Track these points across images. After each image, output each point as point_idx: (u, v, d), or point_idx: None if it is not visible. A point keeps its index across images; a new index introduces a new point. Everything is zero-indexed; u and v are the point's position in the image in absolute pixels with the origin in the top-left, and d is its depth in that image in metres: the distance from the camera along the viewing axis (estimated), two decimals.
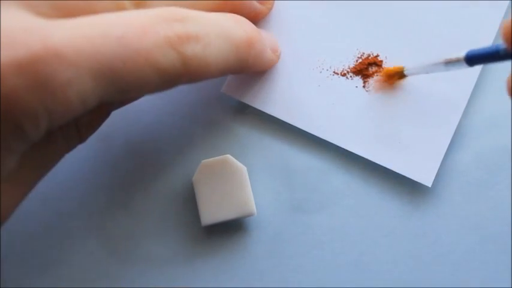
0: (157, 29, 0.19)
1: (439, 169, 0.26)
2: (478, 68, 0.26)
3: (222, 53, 0.21)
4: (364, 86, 0.27)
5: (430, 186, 0.26)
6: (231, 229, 0.27)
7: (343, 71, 0.27)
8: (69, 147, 0.23)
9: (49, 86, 0.16)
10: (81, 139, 0.23)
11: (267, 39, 0.25)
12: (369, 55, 0.27)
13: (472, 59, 0.21)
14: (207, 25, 0.21)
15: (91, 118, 0.23)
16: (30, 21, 0.17)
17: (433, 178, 0.26)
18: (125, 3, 0.20)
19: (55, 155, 0.22)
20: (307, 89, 0.27)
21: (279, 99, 0.27)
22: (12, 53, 0.16)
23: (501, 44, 0.19)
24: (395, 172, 0.26)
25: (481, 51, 0.21)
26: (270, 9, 0.27)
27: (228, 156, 0.26)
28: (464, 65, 0.21)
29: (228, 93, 0.27)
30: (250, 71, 0.25)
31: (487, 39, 0.27)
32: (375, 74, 0.27)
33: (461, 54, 0.21)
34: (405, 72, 0.26)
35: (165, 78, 0.19)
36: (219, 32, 0.21)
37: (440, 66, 0.23)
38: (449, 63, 0.22)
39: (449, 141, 0.26)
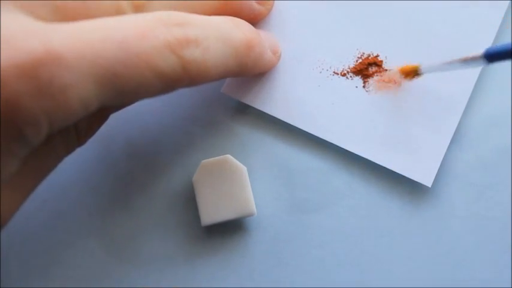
0: (156, 33, 0.18)
1: (439, 169, 0.26)
2: (477, 70, 0.26)
3: (221, 57, 0.21)
4: (364, 86, 0.27)
5: (430, 186, 0.26)
6: (231, 229, 0.27)
7: (343, 71, 0.27)
8: (68, 151, 0.23)
9: (50, 90, 0.16)
10: (80, 142, 0.23)
11: (267, 40, 0.25)
12: (369, 55, 0.27)
13: (492, 56, 0.21)
14: (206, 29, 0.20)
15: (90, 121, 0.23)
16: (30, 24, 0.17)
17: (433, 178, 0.26)
18: (124, 8, 0.20)
19: (54, 159, 0.22)
20: (307, 89, 0.27)
21: (279, 99, 0.27)
22: (13, 57, 0.16)
23: None
24: (396, 172, 0.26)
25: (501, 48, 0.21)
26: (270, 10, 0.27)
27: (228, 156, 0.26)
28: (482, 62, 0.21)
29: (228, 93, 0.27)
30: (250, 74, 0.25)
31: (487, 39, 0.26)
32: (375, 74, 0.27)
33: (480, 51, 0.21)
34: (421, 70, 0.25)
35: (165, 82, 0.19)
36: (218, 36, 0.21)
37: (457, 64, 0.23)
38: (467, 61, 0.22)
39: (449, 141, 0.26)
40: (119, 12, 0.20)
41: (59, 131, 0.19)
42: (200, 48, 0.20)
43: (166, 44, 0.19)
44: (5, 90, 0.16)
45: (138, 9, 0.21)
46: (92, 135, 0.24)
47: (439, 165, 0.26)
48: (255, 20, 0.26)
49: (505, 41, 0.27)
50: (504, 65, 0.27)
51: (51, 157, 0.22)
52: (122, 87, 0.18)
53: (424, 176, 0.26)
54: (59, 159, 0.22)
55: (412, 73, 0.26)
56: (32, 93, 0.16)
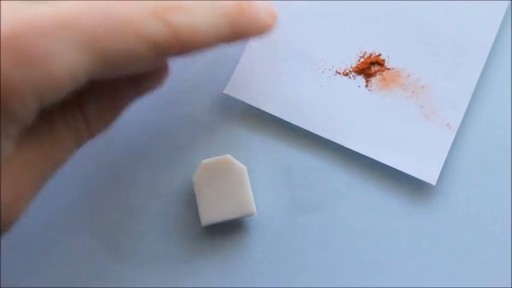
0: None
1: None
2: (479, 68, 0.26)
3: (212, 21, 0.20)
4: (366, 86, 0.27)
5: (434, 184, 0.26)
6: (231, 229, 0.27)
7: (345, 70, 0.27)
8: (79, 142, 0.22)
9: (32, 60, 0.16)
10: (92, 132, 0.22)
11: (260, 2, 0.24)
12: (371, 54, 0.27)
13: None
14: None
15: (101, 108, 0.22)
16: (11, 3, 0.17)
17: (437, 176, 0.26)
18: None
19: (63, 151, 0.21)
20: (310, 89, 0.27)
21: (282, 99, 0.27)
22: None
23: None
24: (396, 172, 0.26)
25: None
26: None
27: (228, 156, 0.26)
28: None
29: (231, 94, 0.27)
30: (245, 37, 0.23)
31: (487, 39, 0.26)
32: (377, 73, 0.27)
33: None
34: None
35: (154, 49, 0.19)
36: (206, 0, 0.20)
37: None
38: None
39: (452, 140, 0.26)
40: None
41: (63, 117, 0.19)
42: (188, 13, 0.19)
43: (152, 9, 0.18)
44: None
45: None
46: (106, 126, 0.23)
47: (443, 163, 0.26)
48: None
49: (504, 40, 0.27)
50: (505, 66, 0.27)
51: (58, 148, 0.21)
52: (108, 55, 0.18)
53: (428, 174, 0.26)
54: (69, 151, 0.22)
55: None
56: (12, 64, 0.16)
